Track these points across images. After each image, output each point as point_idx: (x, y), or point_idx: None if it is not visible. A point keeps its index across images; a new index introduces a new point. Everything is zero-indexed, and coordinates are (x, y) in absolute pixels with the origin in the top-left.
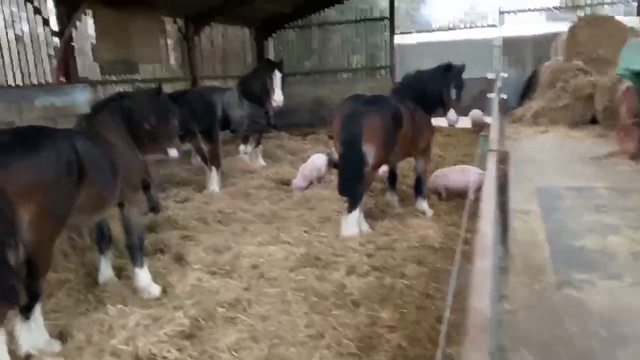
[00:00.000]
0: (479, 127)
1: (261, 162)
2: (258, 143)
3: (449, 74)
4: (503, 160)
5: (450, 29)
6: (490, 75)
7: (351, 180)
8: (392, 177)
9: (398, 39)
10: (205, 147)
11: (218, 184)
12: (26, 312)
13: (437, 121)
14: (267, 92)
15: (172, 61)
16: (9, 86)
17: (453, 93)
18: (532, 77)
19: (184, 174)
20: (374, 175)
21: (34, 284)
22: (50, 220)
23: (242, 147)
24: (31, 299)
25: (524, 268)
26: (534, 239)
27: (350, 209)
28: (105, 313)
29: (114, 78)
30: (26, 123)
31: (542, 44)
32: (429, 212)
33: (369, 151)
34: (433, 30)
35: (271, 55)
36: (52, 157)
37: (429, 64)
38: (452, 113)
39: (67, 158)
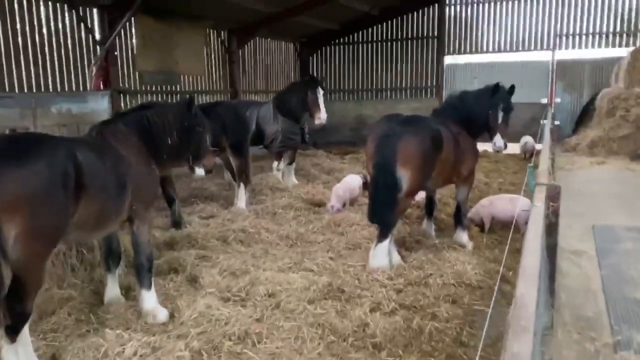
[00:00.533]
0: (529, 155)
1: (294, 180)
2: (292, 160)
3: (497, 95)
4: (553, 196)
5: (502, 50)
6: (543, 100)
7: (383, 206)
8: (430, 204)
9: (447, 59)
10: (233, 162)
11: (245, 201)
12: (12, 334)
13: (484, 146)
14: (304, 108)
15: (214, 74)
16: (25, 92)
17: (500, 116)
18: (589, 104)
19: (213, 189)
20: (409, 202)
21: (21, 305)
22: (40, 236)
23: (275, 164)
24: (18, 320)
25: (574, 322)
26: (587, 286)
27: (381, 238)
28: (103, 337)
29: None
30: (40, 129)
31: (600, 69)
32: (469, 245)
33: (404, 176)
34: (485, 52)
35: (316, 71)
36: (43, 168)
37: (478, 86)
38: (498, 138)
39: (62, 169)
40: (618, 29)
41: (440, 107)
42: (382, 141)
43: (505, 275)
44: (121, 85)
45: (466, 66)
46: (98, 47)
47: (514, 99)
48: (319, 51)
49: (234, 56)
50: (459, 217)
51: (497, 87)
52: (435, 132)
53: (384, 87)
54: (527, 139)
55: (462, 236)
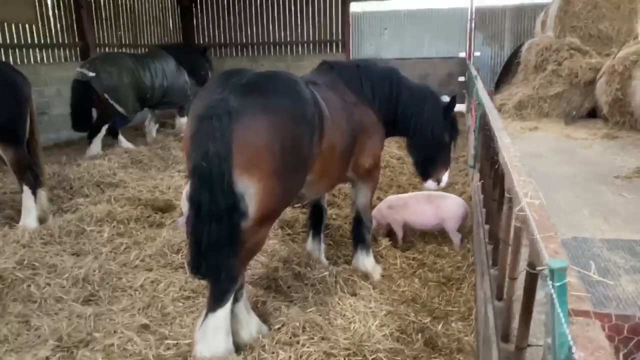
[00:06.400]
0: None
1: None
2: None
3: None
4: None
5: None
6: (461, 54)
7: (214, 249)
8: (317, 213)
9: (353, 7)
10: (4, 155)
11: (35, 214)
12: None
13: None
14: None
15: (54, 23)
16: None
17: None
18: (512, 57)
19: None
20: (263, 235)
21: None
22: None
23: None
24: None
25: None
26: None
27: (214, 305)
28: None
29: None
30: None
31: (522, 17)
32: (376, 274)
33: (249, 190)
34: None
35: (200, 21)
36: None
37: (389, 38)
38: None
39: None
40: None
41: (342, 65)
42: (204, 127)
43: (433, 332)
44: None
45: (374, 15)
46: None
47: (428, 52)
48: None
49: (82, 0)
50: (359, 233)
51: (452, 103)
52: (305, 102)
53: (282, 40)
54: (445, 100)
55: (366, 261)
